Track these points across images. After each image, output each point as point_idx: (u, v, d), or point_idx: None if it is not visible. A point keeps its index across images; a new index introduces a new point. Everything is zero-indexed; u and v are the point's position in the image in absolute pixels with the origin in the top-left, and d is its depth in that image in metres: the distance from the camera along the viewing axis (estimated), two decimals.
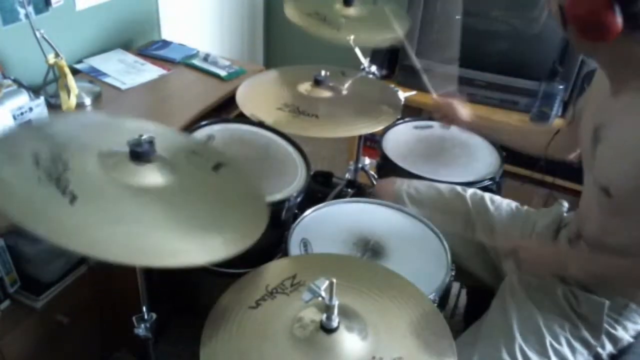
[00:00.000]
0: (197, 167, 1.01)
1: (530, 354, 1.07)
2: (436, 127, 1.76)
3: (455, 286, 1.55)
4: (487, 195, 1.42)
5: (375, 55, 2.32)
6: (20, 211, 0.76)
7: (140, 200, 0.86)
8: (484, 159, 1.63)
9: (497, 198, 1.43)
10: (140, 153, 0.89)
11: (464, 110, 1.46)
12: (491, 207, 1.39)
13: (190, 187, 0.94)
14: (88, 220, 0.78)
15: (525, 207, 1.41)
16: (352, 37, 1.59)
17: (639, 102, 0.97)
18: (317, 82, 1.52)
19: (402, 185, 1.45)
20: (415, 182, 1.46)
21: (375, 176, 1.86)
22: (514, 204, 1.42)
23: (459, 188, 1.44)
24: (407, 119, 1.77)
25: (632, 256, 1.03)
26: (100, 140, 0.95)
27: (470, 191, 1.43)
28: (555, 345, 1.08)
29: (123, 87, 1.75)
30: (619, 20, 0.88)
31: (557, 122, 2.08)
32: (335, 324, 0.86)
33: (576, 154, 1.34)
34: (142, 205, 0.86)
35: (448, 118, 1.49)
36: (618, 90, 1.02)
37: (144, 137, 0.89)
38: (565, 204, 1.34)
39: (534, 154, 1.40)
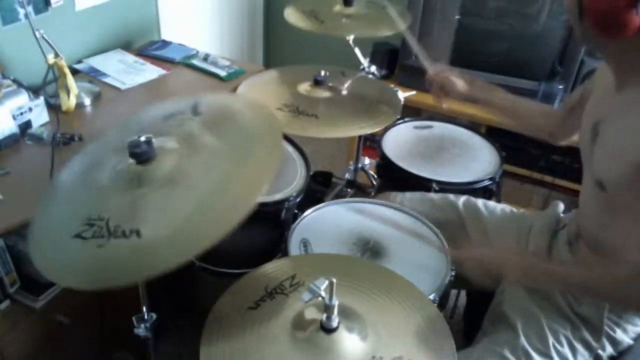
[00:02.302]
0: (183, 124, 0.99)
1: (533, 353, 1.07)
2: (436, 127, 1.76)
3: None
4: (480, 201, 1.41)
5: (375, 55, 2.32)
6: (123, 277, 0.77)
7: (178, 185, 0.87)
8: (483, 159, 1.63)
9: (491, 203, 1.42)
10: (141, 153, 0.89)
11: (460, 81, 1.44)
12: (485, 213, 1.38)
13: (203, 145, 0.94)
14: (167, 237, 0.79)
15: (521, 211, 1.40)
16: (351, 37, 1.59)
17: None
18: (317, 82, 1.52)
19: (396, 198, 1.45)
20: (409, 194, 1.46)
21: (375, 176, 1.86)
22: (508, 209, 1.41)
23: (451, 196, 1.43)
24: (406, 119, 1.77)
25: (625, 257, 1.03)
26: (86, 180, 0.95)
27: (463, 198, 1.42)
28: (557, 346, 1.08)
29: (123, 87, 1.75)
30: (638, 19, 0.87)
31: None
32: (335, 324, 0.86)
33: (566, 141, 1.36)
34: (183, 187, 0.86)
35: (444, 90, 1.45)
36: (622, 86, 1.02)
37: (142, 138, 0.89)
38: (562, 205, 1.33)
39: (525, 133, 1.41)
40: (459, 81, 1.44)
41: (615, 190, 1.00)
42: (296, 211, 1.38)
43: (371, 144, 2.29)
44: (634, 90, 0.99)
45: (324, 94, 1.52)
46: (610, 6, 0.89)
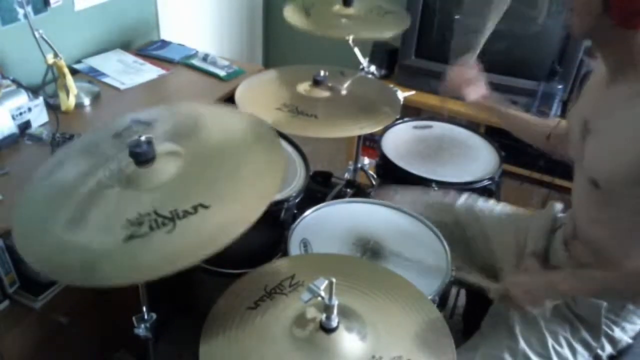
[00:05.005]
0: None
1: (533, 356, 1.07)
2: (435, 127, 1.77)
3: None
4: (480, 201, 1.42)
5: (375, 55, 2.32)
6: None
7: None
8: (482, 159, 1.63)
9: (490, 204, 1.42)
10: (141, 153, 0.88)
11: (477, 88, 1.43)
12: (483, 214, 1.38)
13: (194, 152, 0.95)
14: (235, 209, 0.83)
15: (520, 210, 1.41)
16: (351, 37, 1.59)
17: (634, 92, 0.97)
18: (316, 82, 1.52)
19: (395, 196, 1.45)
20: (407, 194, 1.45)
21: (375, 176, 1.86)
22: (507, 208, 1.41)
23: (449, 197, 1.43)
24: (406, 119, 1.77)
25: (617, 252, 1.04)
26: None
27: (462, 198, 1.42)
28: (557, 347, 1.09)
29: (122, 87, 1.75)
30: None
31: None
32: (334, 323, 0.86)
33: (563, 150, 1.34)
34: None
35: (459, 90, 1.44)
36: (613, 81, 1.02)
37: (142, 138, 0.89)
38: (560, 205, 1.33)
39: (534, 144, 1.39)
40: (476, 87, 1.43)
41: (610, 187, 1.00)
42: (296, 211, 1.38)
43: (371, 143, 2.29)
44: (622, 85, 0.99)
45: (324, 94, 1.52)
46: None
